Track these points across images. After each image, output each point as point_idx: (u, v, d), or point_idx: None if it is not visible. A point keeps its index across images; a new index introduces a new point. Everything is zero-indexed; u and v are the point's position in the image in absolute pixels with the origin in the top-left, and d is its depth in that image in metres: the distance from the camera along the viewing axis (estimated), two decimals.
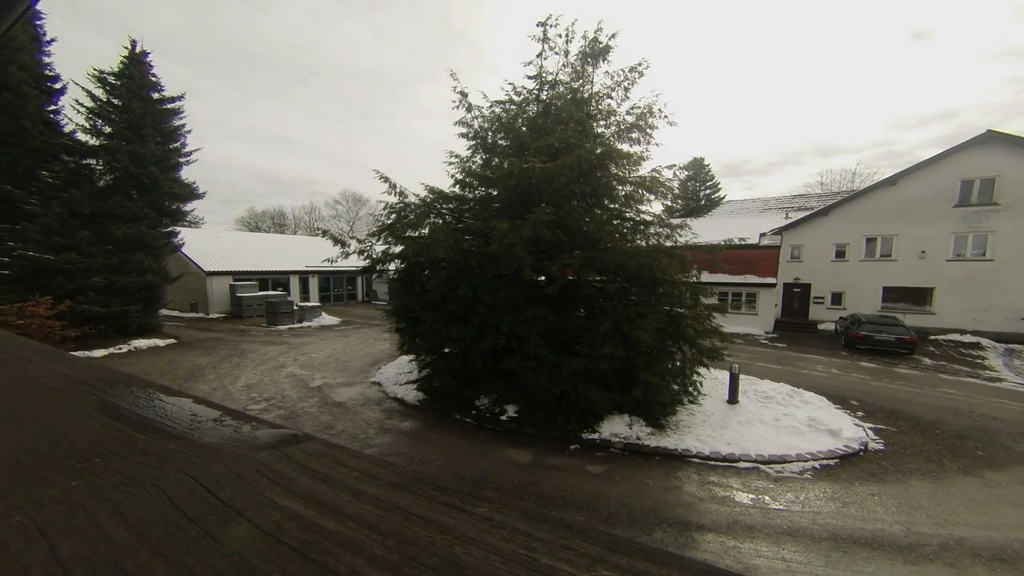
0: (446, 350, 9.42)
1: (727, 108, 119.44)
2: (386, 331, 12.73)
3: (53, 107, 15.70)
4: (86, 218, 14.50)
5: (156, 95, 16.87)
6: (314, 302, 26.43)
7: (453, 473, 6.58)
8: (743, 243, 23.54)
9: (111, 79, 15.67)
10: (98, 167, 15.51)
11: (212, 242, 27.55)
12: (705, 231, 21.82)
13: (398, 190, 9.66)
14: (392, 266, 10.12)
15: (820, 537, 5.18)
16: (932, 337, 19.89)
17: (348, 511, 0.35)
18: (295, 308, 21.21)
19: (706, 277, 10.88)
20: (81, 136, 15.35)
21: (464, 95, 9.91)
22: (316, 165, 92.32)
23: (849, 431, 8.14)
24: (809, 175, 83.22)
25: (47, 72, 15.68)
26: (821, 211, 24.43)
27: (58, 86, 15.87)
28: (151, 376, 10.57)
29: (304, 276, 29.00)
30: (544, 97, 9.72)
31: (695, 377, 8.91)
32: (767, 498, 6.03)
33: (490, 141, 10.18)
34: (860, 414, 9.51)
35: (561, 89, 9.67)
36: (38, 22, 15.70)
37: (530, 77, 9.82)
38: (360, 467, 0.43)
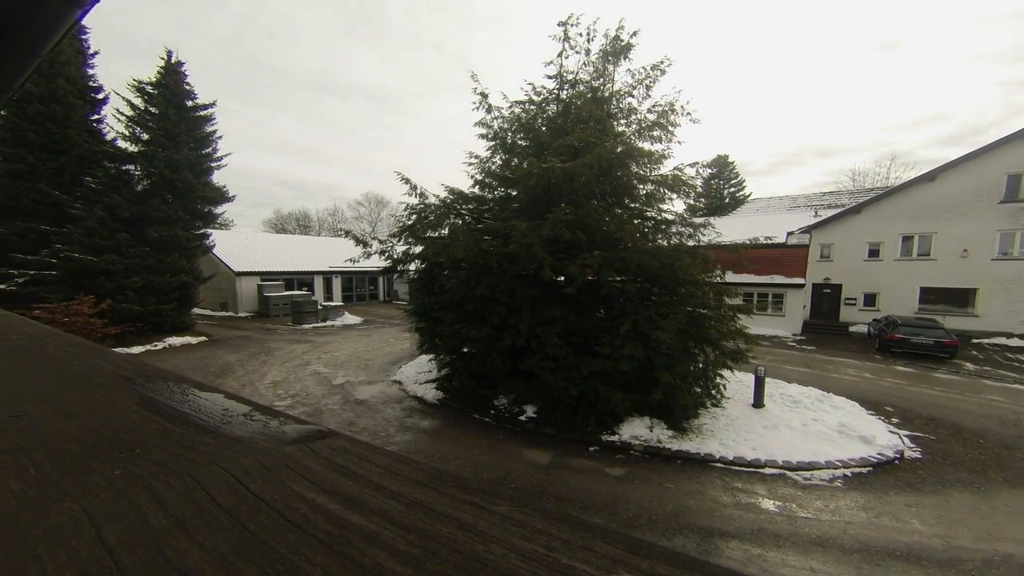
0: (465, 350, 9.49)
1: (724, 109, 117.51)
2: (406, 330, 12.91)
3: (96, 116, 16.57)
4: (125, 221, 15.25)
5: (190, 103, 17.59)
6: (337, 302, 27.05)
7: (472, 472, 6.62)
8: (769, 242, 22.82)
9: (149, 89, 16.44)
10: (136, 172, 16.30)
11: (241, 243, 28.54)
12: (729, 230, 21.23)
13: (419, 191, 9.78)
14: (412, 266, 10.26)
15: (851, 548, 4.98)
16: (975, 341, 18.83)
17: (372, 506, 0.36)
18: (319, 307, 21.75)
19: (730, 277, 10.62)
20: (121, 143, 16.16)
21: (484, 96, 9.95)
22: (335, 172, 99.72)
23: (883, 438, 7.79)
24: (812, 175, 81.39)
25: (91, 84, 16.55)
26: (853, 209, 23.46)
27: (100, 96, 16.74)
28: (185, 372, 11.04)
29: (328, 276, 29.70)
30: (564, 96, 9.68)
31: (718, 380, 8.70)
32: (794, 506, 5.84)
33: (509, 141, 10.20)
34: (895, 421, 9.09)
35: (581, 88, 9.61)
36: (82, 36, 16.60)
37: (550, 77, 9.80)
38: (383, 463, 0.44)
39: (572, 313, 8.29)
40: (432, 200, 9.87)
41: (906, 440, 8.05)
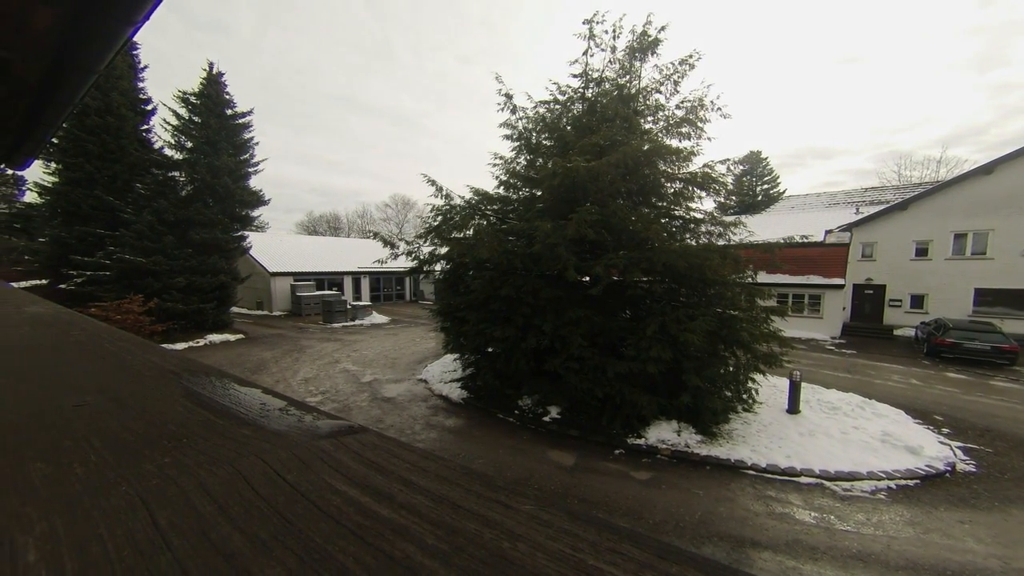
0: (489, 350, 9.54)
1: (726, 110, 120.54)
2: (432, 330, 13.10)
3: (145, 127, 17.65)
4: (171, 224, 16.17)
5: (229, 111, 18.47)
6: (366, 301, 27.76)
7: (496, 472, 6.65)
8: (806, 241, 21.79)
9: (192, 99, 17.37)
10: (181, 179, 17.26)
11: (275, 245, 29.72)
12: (762, 228, 20.39)
13: (444, 193, 9.91)
14: (438, 267, 10.40)
15: (896, 565, 4.70)
16: None
17: (400, 500, 0.37)
18: (348, 307, 22.38)
19: (763, 278, 10.24)
20: (167, 151, 17.16)
21: (509, 97, 9.98)
22: (361, 180, 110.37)
23: (932, 449, 7.32)
24: (818, 175, 79.85)
25: (141, 96, 17.65)
26: (898, 205, 22.15)
27: (150, 108, 17.82)
28: (224, 368, 11.56)
29: (356, 276, 30.52)
30: (589, 95, 9.58)
31: (750, 384, 8.40)
32: (833, 518, 5.56)
33: (534, 141, 10.19)
34: (946, 431, 8.51)
35: (607, 86, 9.49)
36: (133, 52, 17.71)
37: (575, 76, 9.72)
38: (411, 459, 0.45)
39: (597, 314, 8.20)
40: (457, 201, 9.99)
41: (959, 452, 7.53)
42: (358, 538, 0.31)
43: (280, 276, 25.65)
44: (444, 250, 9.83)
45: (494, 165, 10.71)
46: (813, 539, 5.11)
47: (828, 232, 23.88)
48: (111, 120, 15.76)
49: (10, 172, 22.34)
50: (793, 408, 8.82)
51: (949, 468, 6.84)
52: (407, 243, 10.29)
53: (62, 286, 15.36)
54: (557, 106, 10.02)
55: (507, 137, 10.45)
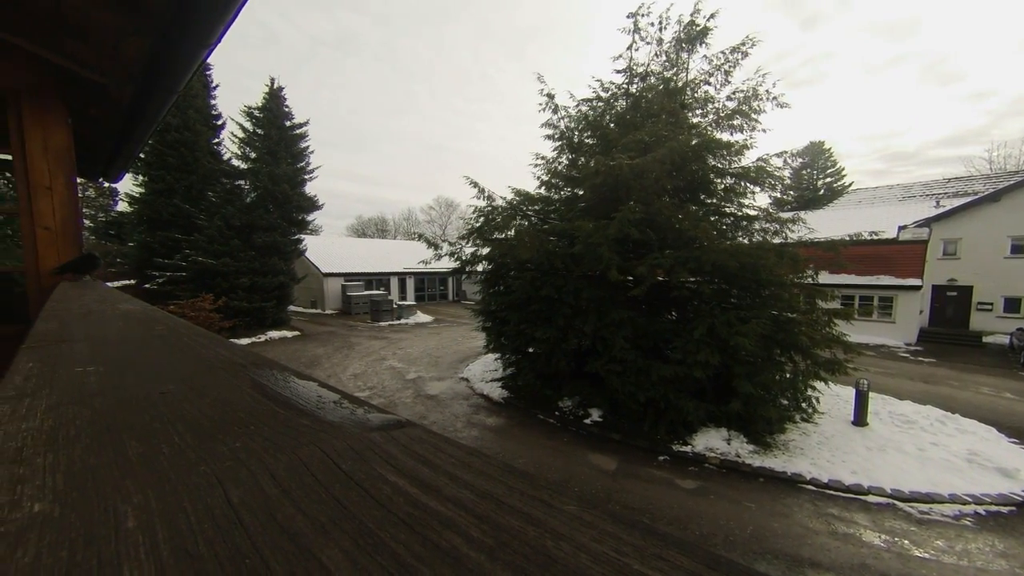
0: (530, 350, 9.55)
1: None
2: (474, 329, 13.31)
3: (216, 140, 19.29)
4: (237, 229, 17.58)
5: (288, 123, 19.79)
6: (410, 301, 28.70)
7: (536, 472, 6.64)
8: (875, 238, 19.96)
9: (256, 113, 18.79)
10: (246, 187, 18.71)
11: (328, 247, 31.45)
12: (825, 225, 18.91)
13: (486, 194, 10.04)
14: (480, 267, 10.55)
15: None
16: None
17: (447, 493, 0.38)
18: (395, 306, 23.24)
19: (825, 278, 9.52)
20: (235, 162, 18.68)
21: (551, 97, 9.94)
22: (404, 192, 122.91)
23: None
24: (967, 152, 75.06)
25: (213, 112, 19.32)
26: (989, 196, 19.75)
27: (220, 122, 19.46)
28: (283, 362, 12.41)
29: (402, 277, 31.63)
30: (634, 90, 9.35)
31: (809, 392, 7.83)
32: (907, 542, 5.06)
33: (576, 140, 10.08)
34: None
35: (653, 80, 9.21)
36: (207, 72, 19.41)
37: (618, 71, 9.53)
38: (456, 455, 0.46)
39: (640, 315, 7.97)
40: (499, 202, 10.08)
41: None
42: (407, 527, 0.32)
43: (332, 277, 27.10)
44: (486, 251, 9.96)
45: (535, 165, 10.71)
46: (883, 564, 4.67)
47: (902, 228, 21.71)
48: (188, 135, 17.37)
49: (106, 185, 25.25)
50: (860, 420, 8.12)
51: None
52: (450, 244, 10.52)
53: (147, 286, 17.13)
54: (600, 103, 9.85)
55: (548, 137, 10.41)
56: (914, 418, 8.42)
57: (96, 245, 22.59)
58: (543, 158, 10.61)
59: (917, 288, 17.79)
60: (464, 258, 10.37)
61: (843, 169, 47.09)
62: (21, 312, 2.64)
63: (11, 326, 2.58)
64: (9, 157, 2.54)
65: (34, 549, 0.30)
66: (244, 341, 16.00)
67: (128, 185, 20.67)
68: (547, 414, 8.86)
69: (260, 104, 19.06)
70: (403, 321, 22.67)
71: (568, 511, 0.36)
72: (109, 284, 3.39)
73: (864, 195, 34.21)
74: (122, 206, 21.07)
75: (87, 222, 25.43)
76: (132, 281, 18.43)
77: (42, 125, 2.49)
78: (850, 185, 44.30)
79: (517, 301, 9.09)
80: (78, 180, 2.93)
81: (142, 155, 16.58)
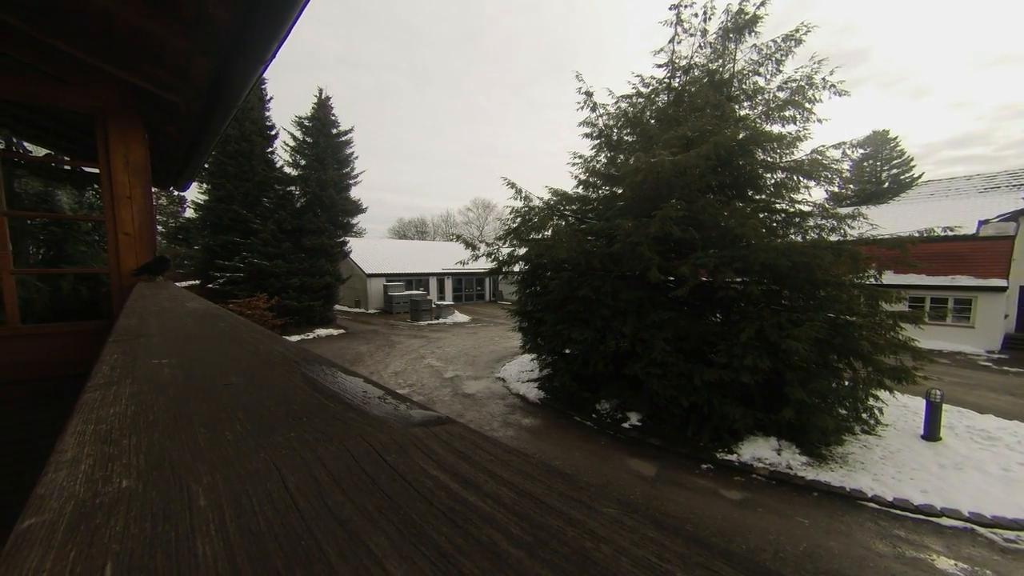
0: (567, 351, 9.46)
1: None
2: (510, 329, 13.39)
3: (270, 149, 20.59)
4: (288, 232, 18.68)
5: (334, 130, 20.79)
6: (448, 301, 29.28)
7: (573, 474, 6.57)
8: (951, 234, 18.13)
9: (305, 122, 19.89)
10: (296, 192, 19.84)
11: (370, 249, 32.69)
12: (890, 220, 17.41)
13: (523, 194, 10.06)
14: (516, 267, 10.58)
15: None
16: None
17: (486, 490, 0.38)
18: (433, 306, 23.79)
19: (890, 278, 8.77)
20: (287, 169, 19.85)
21: (589, 95, 9.82)
22: (441, 200, 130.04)
23: None
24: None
25: (267, 123, 20.64)
26: None
27: (273, 132, 20.76)
28: (330, 358, 13.03)
29: (440, 277, 32.33)
30: (676, 84, 9.05)
31: (871, 402, 7.25)
32: (989, 572, 4.55)
33: (615, 138, 9.89)
34: None
35: (697, 73, 8.88)
36: (262, 87, 20.76)
37: (660, 65, 9.26)
38: (495, 452, 0.47)
39: (682, 317, 7.69)
40: (536, 203, 10.07)
41: None
42: (449, 520, 0.33)
43: (374, 277, 28.15)
44: (522, 251, 9.98)
45: (573, 164, 10.60)
46: None
47: (984, 223, 19.56)
48: (245, 146, 18.66)
49: (176, 193, 27.59)
50: (931, 434, 7.40)
51: None
52: (487, 245, 10.63)
53: (210, 285, 18.55)
54: (640, 99, 9.60)
55: (586, 135, 10.28)
56: (998, 434, 7.57)
57: (167, 248, 24.76)
58: (580, 157, 10.49)
59: (1002, 289, 15.96)
60: (501, 258, 10.44)
61: (912, 160, 43.07)
62: (107, 308, 2.95)
63: (100, 321, 2.89)
64: (97, 170, 2.85)
65: (123, 520, 0.34)
66: (295, 338, 16.96)
67: (194, 193, 22.55)
68: (584, 416, 8.75)
69: (309, 114, 20.15)
70: (441, 320, 23.16)
71: (608, 513, 0.35)
72: (178, 284, 3.72)
73: (937, 187, 31.11)
74: (189, 212, 23.02)
75: (160, 228, 27.94)
76: (197, 281, 20.02)
77: (124, 141, 2.77)
78: (919, 177, 40.46)
79: (554, 301, 9.04)
80: (152, 190, 3.23)
81: (206, 165, 17.97)
